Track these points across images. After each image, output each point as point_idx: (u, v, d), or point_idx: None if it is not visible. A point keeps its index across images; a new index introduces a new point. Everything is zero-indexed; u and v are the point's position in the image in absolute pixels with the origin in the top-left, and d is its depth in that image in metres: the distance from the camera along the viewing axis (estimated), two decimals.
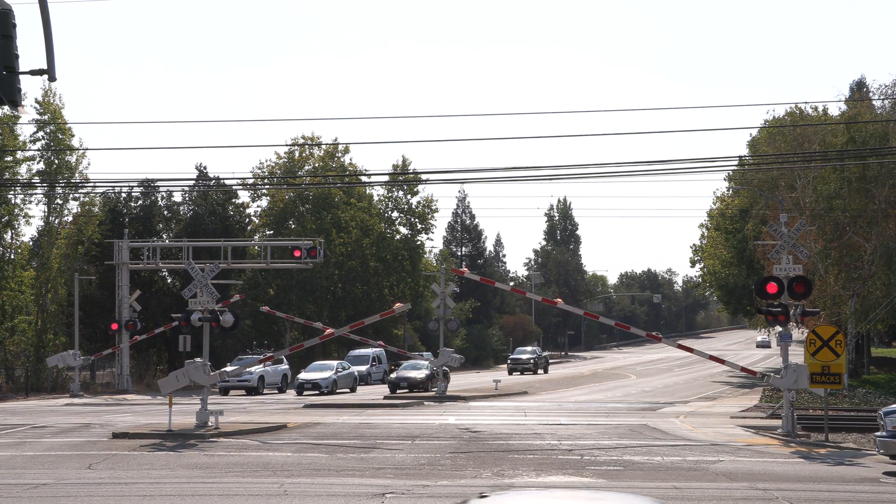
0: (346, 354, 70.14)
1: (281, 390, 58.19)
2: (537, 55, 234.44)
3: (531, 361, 78.13)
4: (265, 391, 56.52)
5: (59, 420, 35.99)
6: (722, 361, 30.03)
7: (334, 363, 58.41)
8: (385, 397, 48.95)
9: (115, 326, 57.52)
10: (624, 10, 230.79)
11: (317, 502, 17.81)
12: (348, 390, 56.18)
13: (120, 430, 30.50)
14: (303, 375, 55.99)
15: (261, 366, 55.20)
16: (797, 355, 44.46)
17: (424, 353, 56.61)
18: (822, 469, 22.63)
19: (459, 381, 64.56)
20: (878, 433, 23.12)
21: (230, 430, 29.97)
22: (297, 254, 55.75)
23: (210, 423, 30.56)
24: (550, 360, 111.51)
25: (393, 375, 55.09)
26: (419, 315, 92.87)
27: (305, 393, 53.59)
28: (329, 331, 33.12)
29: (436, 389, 51.47)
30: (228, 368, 53.12)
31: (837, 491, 19.25)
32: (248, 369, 52.60)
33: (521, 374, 73.66)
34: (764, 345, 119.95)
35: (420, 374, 53.36)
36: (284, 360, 59.64)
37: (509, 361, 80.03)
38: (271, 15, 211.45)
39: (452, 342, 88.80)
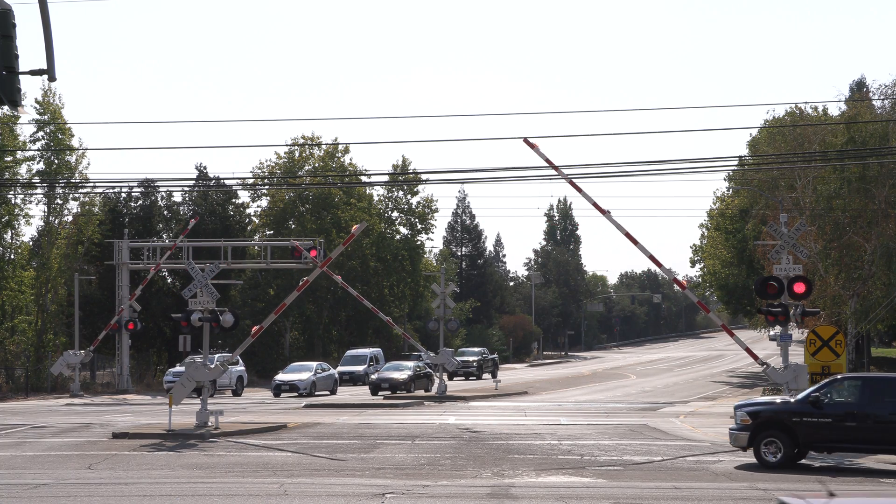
0: (344, 354, 68.50)
1: (236, 392, 54.82)
2: (537, 55, 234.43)
3: (474, 365, 70.28)
4: (216, 394, 51.27)
5: (59, 420, 35.98)
6: (756, 356, 30.22)
7: (314, 364, 56.09)
8: (386, 398, 48.55)
9: (115, 326, 57.52)
10: (624, 10, 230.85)
11: (317, 502, 17.81)
12: (328, 392, 54.04)
13: (120, 430, 30.51)
14: (280, 377, 54.21)
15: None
16: (797, 355, 44.44)
17: (422, 353, 54.88)
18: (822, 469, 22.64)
19: (459, 381, 64.56)
20: (731, 426, 24.11)
21: (230, 430, 29.98)
22: (297, 254, 55.68)
23: (210, 423, 30.57)
24: (549, 361, 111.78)
25: (374, 376, 52.89)
26: (419, 315, 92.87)
27: (283, 395, 52.11)
28: (306, 280, 33.10)
29: (419, 391, 50.78)
30: (176, 369, 50.59)
31: (837, 491, 19.25)
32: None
33: (465, 379, 66.66)
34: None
35: (402, 376, 51.38)
36: (240, 360, 55.25)
37: None
38: (271, 16, 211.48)
39: (452, 342, 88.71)
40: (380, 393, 50.34)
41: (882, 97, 53.40)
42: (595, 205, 31.30)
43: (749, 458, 23.10)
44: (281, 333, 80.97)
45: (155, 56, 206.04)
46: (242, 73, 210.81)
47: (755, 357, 30.30)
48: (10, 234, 61.61)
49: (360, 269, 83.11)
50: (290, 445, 26.81)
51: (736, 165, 59.15)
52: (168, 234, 73.18)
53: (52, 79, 16.58)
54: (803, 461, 23.14)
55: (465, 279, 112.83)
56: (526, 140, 31.79)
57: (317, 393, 52.74)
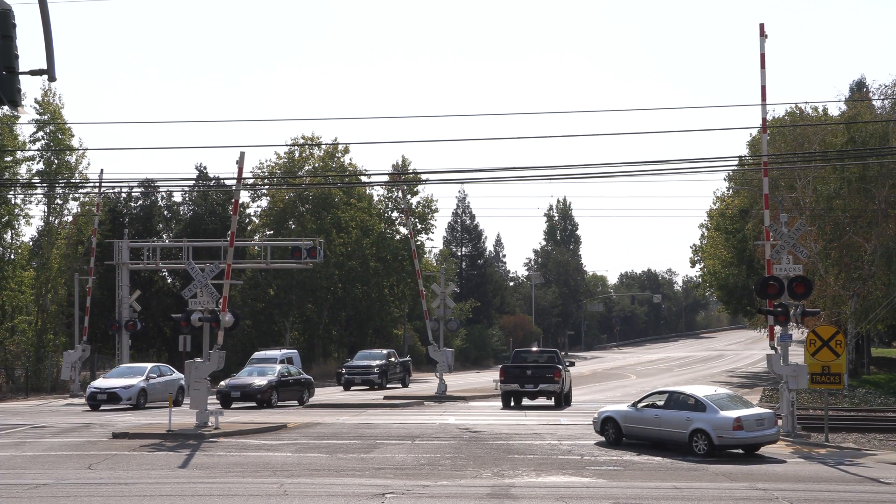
0: (250, 357, 54.30)
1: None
2: (537, 56, 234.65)
3: (376, 371, 55.91)
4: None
5: (59, 420, 35.97)
6: (773, 336, 30.32)
7: (146, 366, 44.06)
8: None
9: (115, 327, 57.54)
10: (623, 11, 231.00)
11: (317, 502, 17.81)
12: (167, 403, 41.40)
13: (120, 431, 30.49)
14: (98, 382, 43.00)
15: None
16: (797, 355, 44.44)
17: (434, 345, 50.04)
18: (822, 469, 22.65)
19: (459, 381, 64.53)
20: None
21: (230, 430, 29.97)
22: (297, 254, 55.61)
23: (210, 423, 30.56)
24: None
25: (223, 383, 43.01)
26: (419, 315, 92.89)
27: (102, 408, 41.20)
28: (232, 232, 32.76)
29: (291, 402, 43.57)
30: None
31: (837, 491, 19.26)
32: None
33: (371, 388, 54.93)
34: None
35: (261, 382, 42.22)
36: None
37: (344, 370, 57.07)
38: (272, 16, 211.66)
39: (452, 342, 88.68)
40: (232, 405, 41.61)
41: (882, 97, 53.43)
42: None
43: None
44: (281, 333, 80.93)
45: (155, 56, 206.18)
46: (242, 73, 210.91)
47: (772, 337, 30.36)
48: (10, 234, 61.67)
49: (360, 269, 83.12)
50: (290, 445, 26.80)
51: (736, 165, 59.16)
52: (168, 234, 73.24)
53: (52, 79, 16.57)
54: None
55: (465, 279, 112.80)
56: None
57: (147, 404, 42.10)
